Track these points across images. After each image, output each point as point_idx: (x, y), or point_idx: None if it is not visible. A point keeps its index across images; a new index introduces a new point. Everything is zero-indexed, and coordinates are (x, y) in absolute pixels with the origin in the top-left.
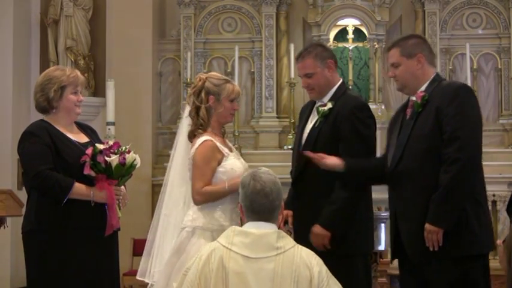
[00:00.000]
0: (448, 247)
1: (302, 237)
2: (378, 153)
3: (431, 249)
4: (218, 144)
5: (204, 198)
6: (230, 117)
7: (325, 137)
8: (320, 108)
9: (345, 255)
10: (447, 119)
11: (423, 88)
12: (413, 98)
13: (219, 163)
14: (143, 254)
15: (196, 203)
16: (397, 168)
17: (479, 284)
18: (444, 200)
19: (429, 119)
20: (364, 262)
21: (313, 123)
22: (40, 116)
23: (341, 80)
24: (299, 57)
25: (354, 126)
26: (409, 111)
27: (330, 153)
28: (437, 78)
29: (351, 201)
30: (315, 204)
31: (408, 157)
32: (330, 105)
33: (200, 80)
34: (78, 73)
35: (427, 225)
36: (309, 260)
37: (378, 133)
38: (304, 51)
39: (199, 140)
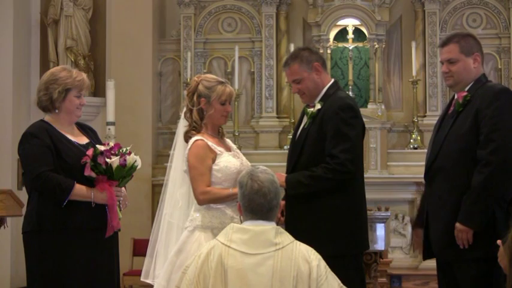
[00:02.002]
0: (473, 247)
1: (293, 230)
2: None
3: (461, 247)
4: (210, 143)
5: (208, 198)
6: (222, 120)
7: (312, 138)
8: (308, 110)
9: (336, 255)
10: (484, 121)
11: (467, 88)
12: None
13: (213, 161)
14: (146, 256)
15: (200, 203)
16: (432, 166)
17: (502, 285)
18: (475, 201)
19: (468, 119)
20: (356, 262)
21: (303, 124)
22: (40, 116)
23: (332, 81)
24: (285, 64)
25: (337, 127)
26: (451, 109)
27: (317, 154)
28: (482, 79)
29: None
30: (305, 198)
31: (443, 156)
32: (318, 106)
33: (194, 82)
34: (85, 76)
35: (457, 224)
36: (308, 255)
37: (378, 133)
38: (289, 57)
39: (191, 141)
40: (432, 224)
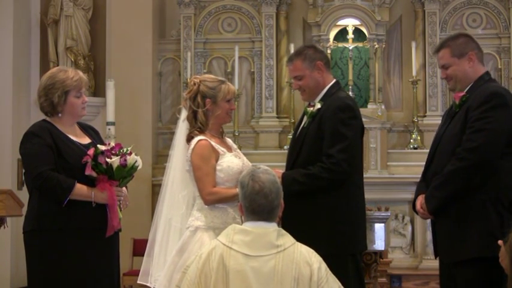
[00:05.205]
0: (472, 248)
1: (289, 229)
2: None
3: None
4: (213, 143)
5: (215, 198)
6: (228, 118)
7: (311, 137)
8: (308, 109)
9: (333, 255)
10: (471, 122)
11: (467, 88)
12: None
13: (216, 161)
14: (144, 257)
15: (207, 203)
16: (429, 167)
17: (499, 285)
18: (437, 187)
19: (460, 120)
20: (353, 262)
21: (303, 123)
22: (41, 115)
23: (334, 81)
24: (289, 60)
25: (335, 126)
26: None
27: (315, 153)
28: (484, 77)
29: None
30: (302, 197)
31: (438, 157)
32: (318, 106)
33: (195, 84)
34: (81, 74)
35: (422, 198)
36: (309, 257)
37: (378, 133)
38: (293, 53)
39: (194, 141)
40: (437, 225)
